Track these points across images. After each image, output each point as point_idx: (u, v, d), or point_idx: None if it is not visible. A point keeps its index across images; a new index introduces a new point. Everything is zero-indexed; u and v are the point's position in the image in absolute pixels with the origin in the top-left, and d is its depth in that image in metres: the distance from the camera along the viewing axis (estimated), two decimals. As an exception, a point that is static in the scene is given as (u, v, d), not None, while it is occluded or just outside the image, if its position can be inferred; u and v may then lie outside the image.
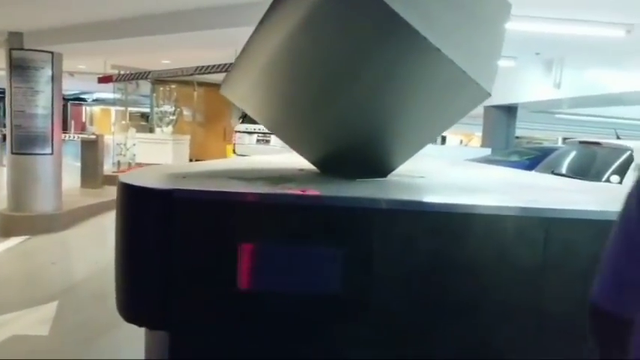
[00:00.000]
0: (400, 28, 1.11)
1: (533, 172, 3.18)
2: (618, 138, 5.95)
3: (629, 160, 4.61)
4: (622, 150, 4.77)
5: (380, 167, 1.54)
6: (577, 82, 8.05)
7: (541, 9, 5.50)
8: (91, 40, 6.51)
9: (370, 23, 1.15)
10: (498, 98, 10.13)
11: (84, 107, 27.80)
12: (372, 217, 1.12)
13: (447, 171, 2.29)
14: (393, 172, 1.57)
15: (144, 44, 7.08)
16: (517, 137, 17.89)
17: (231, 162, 2.37)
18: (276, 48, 1.32)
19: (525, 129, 17.21)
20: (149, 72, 8.24)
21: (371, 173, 1.50)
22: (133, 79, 8.50)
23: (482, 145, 10.65)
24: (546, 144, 13.96)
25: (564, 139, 14.49)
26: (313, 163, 1.64)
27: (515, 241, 1.14)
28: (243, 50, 1.48)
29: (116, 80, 8.33)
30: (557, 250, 1.14)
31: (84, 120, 28.24)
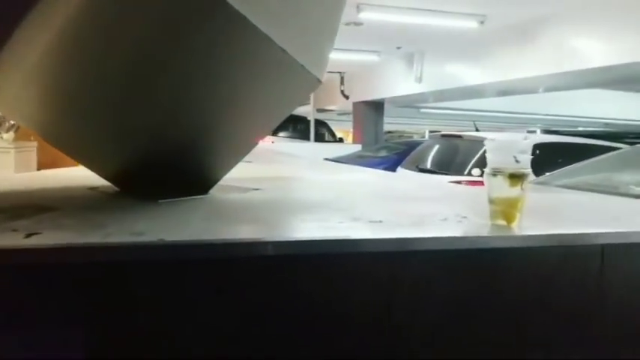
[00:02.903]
0: None
1: (386, 173, 2.99)
2: (477, 130, 6.15)
3: (488, 153, 4.67)
4: (481, 142, 4.85)
5: (200, 181, 1.32)
6: (437, 75, 8.34)
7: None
8: None
9: None
10: (365, 94, 10.29)
11: None
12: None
13: (293, 177, 2.05)
14: (222, 182, 1.34)
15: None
16: (389, 132, 18.65)
17: (6, 179, 1.86)
18: (52, 38, 1.07)
19: (396, 124, 17.92)
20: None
21: (189, 189, 1.28)
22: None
23: (354, 142, 10.75)
24: (416, 137, 14.57)
25: (430, 132, 15.28)
26: (108, 180, 1.39)
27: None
28: None
29: None
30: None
31: None
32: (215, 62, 1.06)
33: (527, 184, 0.97)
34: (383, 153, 7.89)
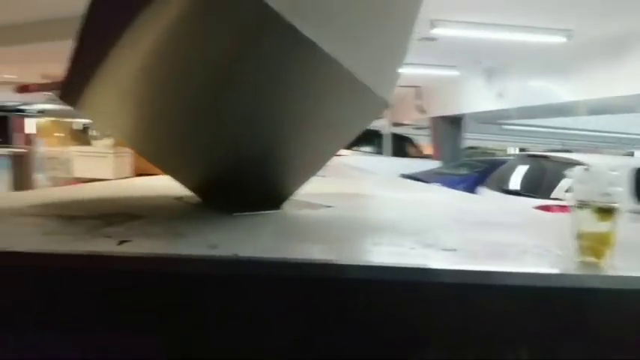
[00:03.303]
0: (269, 18, 0.96)
1: (465, 194, 2.87)
2: (567, 151, 5.80)
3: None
4: (572, 165, 4.55)
5: (273, 196, 1.36)
6: (520, 92, 7.86)
7: (479, 14, 5.30)
8: (5, 45, 5.94)
9: (241, 17, 1.02)
10: (443, 109, 10.00)
11: (26, 119, 26.69)
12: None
13: (367, 194, 2.03)
14: (295, 197, 1.36)
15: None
16: (471, 148, 18.08)
17: (99, 187, 2.00)
18: (141, 52, 1.17)
19: (478, 140, 17.37)
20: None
21: (263, 204, 1.33)
22: (55, 88, 7.87)
23: (434, 157, 10.50)
24: (499, 155, 13.99)
25: (520, 149, 14.57)
26: (192, 191, 1.46)
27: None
28: (88, 50, 1.25)
29: (35, 90, 7.67)
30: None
31: (28, 132, 27.07)
32: (285, 83, 1.10)
33: (619, 219, 0.89)
34: (463, 171, 7.65)
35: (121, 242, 0.93)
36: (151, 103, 1.29)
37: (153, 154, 1.49)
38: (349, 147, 11.06)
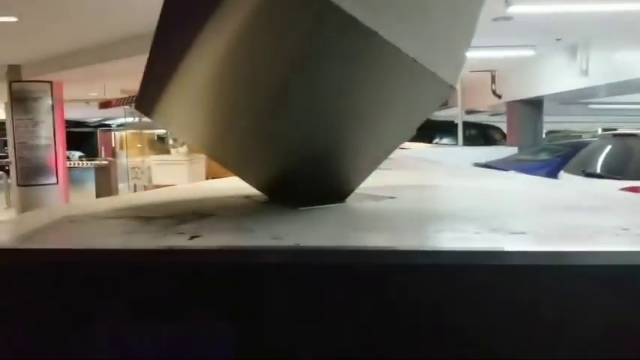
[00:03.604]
0: (328, 9, 0.94)
1: (541, 180, 2.71)
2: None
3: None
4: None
5: (337, 190, 1.36)
6: (607, 67, 7.31)
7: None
8: (87, 64, 6.43)
9: (303, 15, 1.00)
10: (520, 92, 9.53)
11: (112, 133, 28.55)
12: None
13: (433, 184, 1.97)
14: (359, 191, 1.36)
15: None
16: (552, 132, 17.10)
17: (173, 190, 2.10)
18: (210, 57, 1.19)
19: (559, 122, 16.43)
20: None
21: (327, 198, 1.33)
22: (132, 102, 8.39)
23: (509, 143, 10.07)
24: (585, 137, 13.18)
25: (603, 129, 13.68)
26: (260, 189, 1.49)
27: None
28: (160, 60, 1.31)
29: (116, 105, 8.21)
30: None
31: (113, 145, 28.99)
32: (346, 76, 1.08)
33: None
34: (543, 156, 7.29)
35: (192, 237, 0.99)
36: (221, 107, 1.34)
37: (223, 156, 1.53)
38: (430, 140, 10.86)
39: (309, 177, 1.29)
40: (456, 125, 10.96)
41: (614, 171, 4.55)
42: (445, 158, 4.92)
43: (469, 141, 11.19)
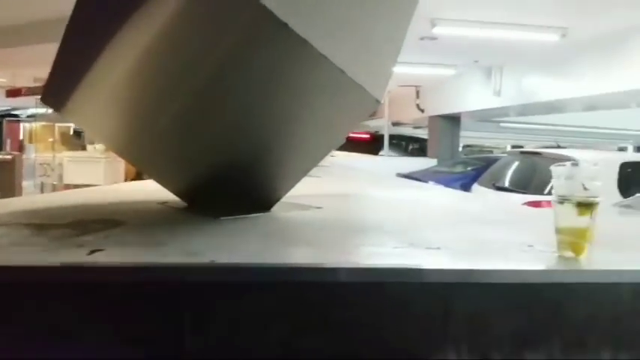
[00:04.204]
0: (263, 16, 0.94)
1: (457, 192, 2.88)
2: (559, 147, 5.83)
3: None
4: (564, 161, 4.56)
5: (262, 198, 1.33)
6: (517, 89, 7.97)
7: (479, 11, 5.34)
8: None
9: (233, 17, 0.99)
10: (441, 107, 10.06)
11: (21, 124, 26.51)
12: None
13: (359, 194, 2.01)
14: (287, 199, 1.35)
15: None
16: (469, 146, 17.99)
17: (82, 193, 1.96)
18: (130, 54, 1.14)
19: (474, 138, 17.35)
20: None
21: (251, 207, 1.29)
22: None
23: (429, 156, 10.54)
24: (496, 152, 14.06)
25: (512, 146, 14.61)
26: (178, 196, 1.42)
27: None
28: (73, 51, 1.22)
29: (26, 94, 7.63)
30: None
31: (21, 138, 26.90)
32: (274, 83, 1.08)
33: (596, 214, 0.90)
34: (459, 169, 7.68)
35: (92, 252, 0.86)
36: (137, 106, 1.26)
37: (137, 158, 1.46)
38: (376, 153, 11.05)
39: (232, 184, 1.25)
40: (402, 138, 11.39)
41: (520, 185, 4.90)
42: (372, 167, 5.06)
43: (412, 154, 11.70)
